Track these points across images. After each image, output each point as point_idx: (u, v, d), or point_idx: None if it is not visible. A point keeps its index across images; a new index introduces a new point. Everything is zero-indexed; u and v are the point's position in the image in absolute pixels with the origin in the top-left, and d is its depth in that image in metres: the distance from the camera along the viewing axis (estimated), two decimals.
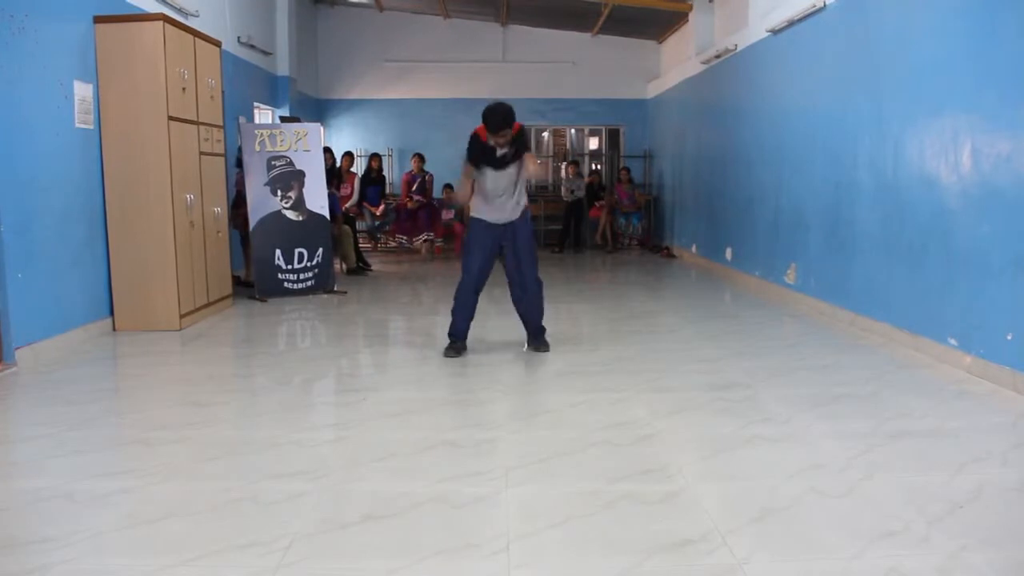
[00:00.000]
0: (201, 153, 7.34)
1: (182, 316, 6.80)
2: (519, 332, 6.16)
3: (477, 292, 5.96)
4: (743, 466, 3.65)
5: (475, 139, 5.76)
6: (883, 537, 2.88)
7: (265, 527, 2.97)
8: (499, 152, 5.73)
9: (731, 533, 2.90)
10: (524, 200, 5.97)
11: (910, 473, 3.51)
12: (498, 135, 5.63)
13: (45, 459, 3.75)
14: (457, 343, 5.95)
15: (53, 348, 5.79)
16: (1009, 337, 4.85)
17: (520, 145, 5.80)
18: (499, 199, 5.82)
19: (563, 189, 14.34)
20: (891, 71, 6.29)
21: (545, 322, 6.08)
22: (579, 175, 14.41)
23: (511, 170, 5.79)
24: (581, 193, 14.10)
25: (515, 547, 2.81)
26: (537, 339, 6.08)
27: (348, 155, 12.10)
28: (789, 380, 5.13)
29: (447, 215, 13.37)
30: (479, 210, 5.90)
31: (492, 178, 5.78)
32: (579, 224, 14.24)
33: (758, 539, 2.87)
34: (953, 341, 5.40)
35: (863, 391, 4.85)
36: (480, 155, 5.76)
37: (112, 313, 6.66)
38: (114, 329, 6.65)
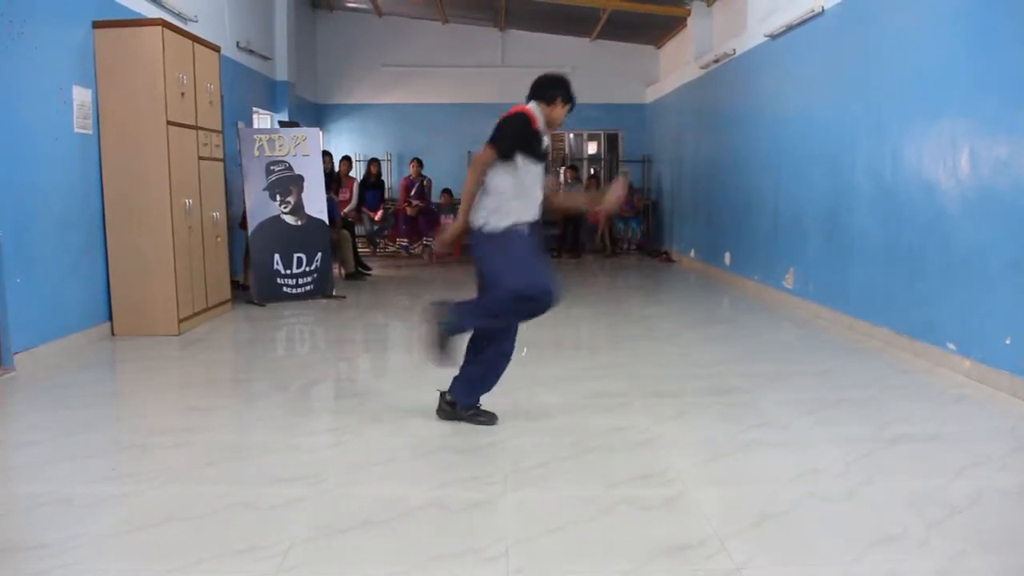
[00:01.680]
0: (200, 158, 7.34)
1: (181, 321, 6.79)
2: (518, 337, 6.13)
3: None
4: (742, 471, 3.65)
5: (527, 123, 4.28)
6: (882, 542, 2.87)
7: (264, 532, 2.97)
8: (546, 142, 4.43)
9: (730, 538, 2.90)
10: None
11: (909, 478, 3.51)
12: (566, 109, 4.42)
13: (43, 464, 3.74)
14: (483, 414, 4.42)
15: (52, 353, 5.79)
16: (1008, 341, 4.86)
17: None
18: (537, 203, 4.32)
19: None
20: (889, 76, 6.30)
21: (544, 326, 5.98)
22: (577, 179, 14.43)
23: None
24: None
25: (514, 552, 2.81)
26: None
27: (347, 160, 12.11)
28: (788, 385, 5.13)
29: (446, 220, 13.37)
30: (513, 212, 4.21)
31: (534, 176, 4.27)
32: (577, 229, 14.24)
33: (757, 544, 2.87)
34: (952, 346, 5.40)
35: (862, 396, 4.85)
36: (529, 143, 4.24)
37: (111, 318, 6.66)
38: (113, 334, 6.65)
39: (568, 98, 4.42)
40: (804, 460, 3.73)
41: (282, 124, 10.17)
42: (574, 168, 14.61)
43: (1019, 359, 4.77)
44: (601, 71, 15.27)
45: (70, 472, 3.61)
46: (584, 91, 15.87)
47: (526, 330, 6.09)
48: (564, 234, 14.18)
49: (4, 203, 5.36)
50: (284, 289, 8.68)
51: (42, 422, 4.40)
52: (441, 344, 4.28)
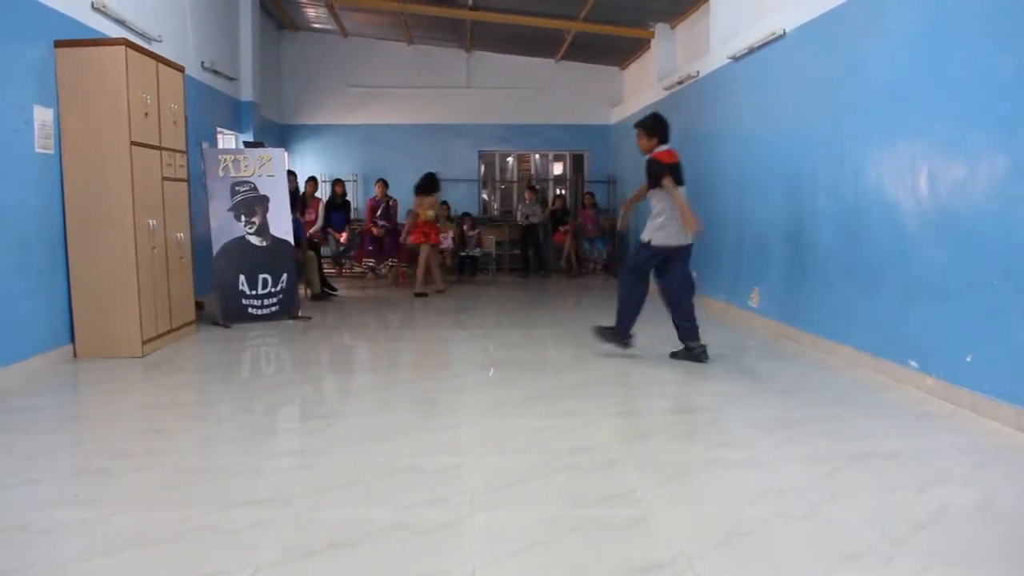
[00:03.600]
0: (164, 178, 7.28)
1: (144, 342, 6.71)
2: (483, 357, 6.14)
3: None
4: (708, 490, 3.67)
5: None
6: (848, 559, 2.89)
7: (228, 556, 2.93)
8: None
9: (696, 557, 2.91)
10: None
11: (873, 495, 3.55)
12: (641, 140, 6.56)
13: (0, 489, 3.68)
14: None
15: (12, 376, 5.69)
16: (968, 359, 4.92)
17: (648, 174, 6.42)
18: None
19: (518, 214, 14.40)
20: (850, 97, 6.40)
21: (508, 346, 6.05)
22: (537, 201, 14.50)
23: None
24: (536, 218, 14.18)
25: (481, 573, 2.80)
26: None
27: (312, 180, 12.07)
28: (752, 403, 5.16)
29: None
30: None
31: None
32: (538, 249, 14.29)
33: (723, 563, 2.88)
34: (914, 363, 5.47)
35: (825, 414, 4.90)
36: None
37: (73, 340, 6.57)
38: (75, 356, 6.56)
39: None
40: (768, 478, 3.76)
41: (247, 144, 10.13)
42: (533, 189, 14.63)
43: (980, 376, 4.83)
44: (566, 92, 15.41)
45: (28, 497, 3.55)
46: (549, 112, 16.05)
47: (492, 350, 6.14)
48: (526, 254, 14.22)
49: None
50: (249, 310, 8.62)
51: (0, 447, 4.32)
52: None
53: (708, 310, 9.46)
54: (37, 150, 6.15)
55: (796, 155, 7.33)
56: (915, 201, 5.50)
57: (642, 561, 2.88)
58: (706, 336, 6.49)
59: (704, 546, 3.01)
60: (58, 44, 6.41)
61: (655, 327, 8.42)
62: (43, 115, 6.22)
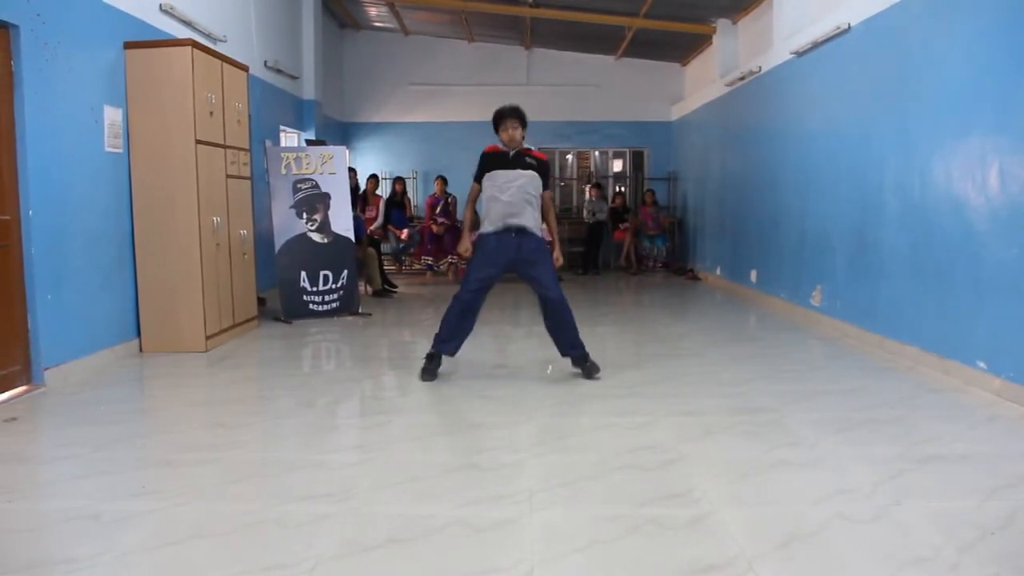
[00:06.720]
0: (228, 176, 7.40)
1: (208, 338, 6.84)
2: (542, 354, 6.14)
3: (470, 311, 5.89)
4: (769, 491, 3.62)
5: (482, 156, 5.89)
6: (912, 564, 2.83)
7: (289, 549, 2.97)
8: (512, 153, 5.77)
9: (757, 559, 2.87)
10: (541, 224, 5.85)
11: (940, 498, 3.47)
12: (507, 127, 5.78)
13: (72, 479, 3.78)
14: (434, 361, 5.85)
15: (81, 369, 5.84)
16: None
17: (542, 171, 5.83)
18: (511, 200, 5.67)
19: (585, 211, 14.38)
20: (917, 93, 6.27)
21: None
22: (602, 198, 14.47)
23: (526, 175, 5.71)
24: (603, 215, 14.15)
25: (539, 571, 2.80)
26: (579, 363, 5.87)
27: (373, 178, 12.18)
28: (815, 404, 5.08)
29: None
30: (485, 224, 5.81)
31: (503, 178, 5.70)
32: (598, 246, 14.25)
33: (784, 565, 2.84)
34: (982, 364, 5.34)
35: (891, 415, 4.80)
36: (488, 165, 5.81)
37: (139, 335, 6.71)
38: (141, 350, 6.70)
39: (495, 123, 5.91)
40: (832, 480, 3.70)
41: (309, 142, 10.24)
42: (598, 187, 14.63)
43: None
44: (626, 89, 15.32)
45: (98, 488, 3.64)
46: (609, 109, 16.00)
47: (551, 347, 6.13)
48: (588, 251, 14.19)
49: (37, 221, 5.43)
50: (310, 306, 8.73)
51: (71, 438, 4.44)
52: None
53: (769, 308, 9.35)
54: (107, 149, 6.30)
55: (861, 151, 7.19)
56: (985, 198, 5.36)
57: (702, 562, 2.86)
58: (768, 336, 6.40)
59: (765, 547, 2.97)
60: (128, 45, 6.56)
61: (709, 328, 8.40)
62: (113, 115, 6.37)
